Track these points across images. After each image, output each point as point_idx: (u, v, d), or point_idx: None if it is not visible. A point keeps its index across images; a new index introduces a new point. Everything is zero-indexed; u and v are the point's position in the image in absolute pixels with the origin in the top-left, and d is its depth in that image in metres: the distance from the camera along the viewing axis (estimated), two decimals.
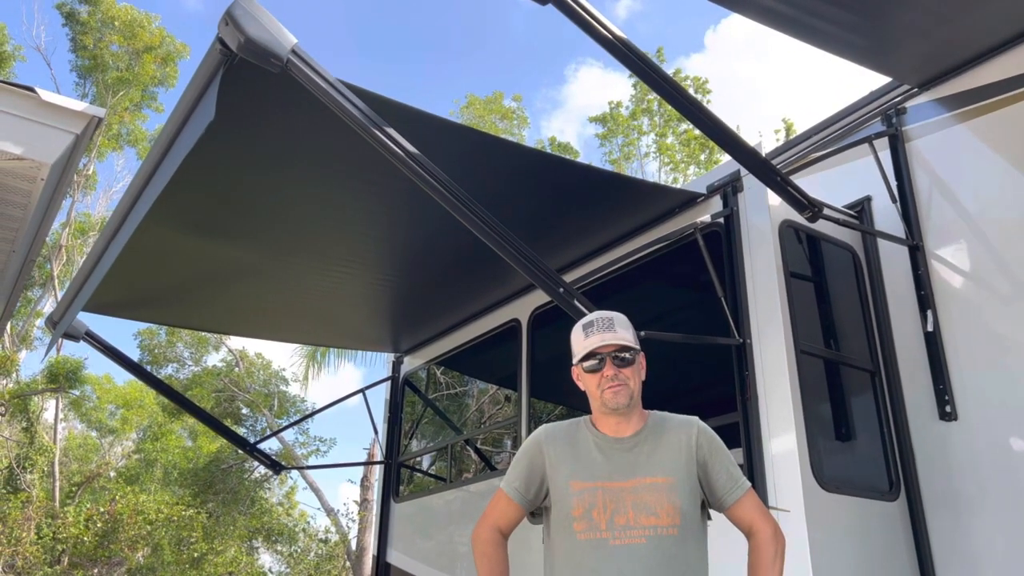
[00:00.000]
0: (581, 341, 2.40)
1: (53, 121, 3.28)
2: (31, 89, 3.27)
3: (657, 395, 2.59)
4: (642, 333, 3.47)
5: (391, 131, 2.90)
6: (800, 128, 17.98)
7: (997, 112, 3.72)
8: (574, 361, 2.42)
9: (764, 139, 4.00)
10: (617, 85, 43.75)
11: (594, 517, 2.24)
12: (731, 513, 2.34)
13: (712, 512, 2.41)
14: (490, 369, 7.08)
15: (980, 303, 3.62)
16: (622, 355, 2.35)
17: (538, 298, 5.14)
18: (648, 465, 2.30)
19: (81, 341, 5.27)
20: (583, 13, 2.84)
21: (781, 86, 34.46)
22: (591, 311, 3.27)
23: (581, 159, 22.36)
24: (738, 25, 36.74)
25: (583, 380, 2.42)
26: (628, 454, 2.32)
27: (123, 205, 3.73)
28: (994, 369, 3.50)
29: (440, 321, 6.03)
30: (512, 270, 3.33)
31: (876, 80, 4.27)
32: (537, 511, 2.48)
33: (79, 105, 3.33)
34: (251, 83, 2.94)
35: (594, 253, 4.80)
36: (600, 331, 2.37)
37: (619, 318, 2.43)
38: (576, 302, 3.25)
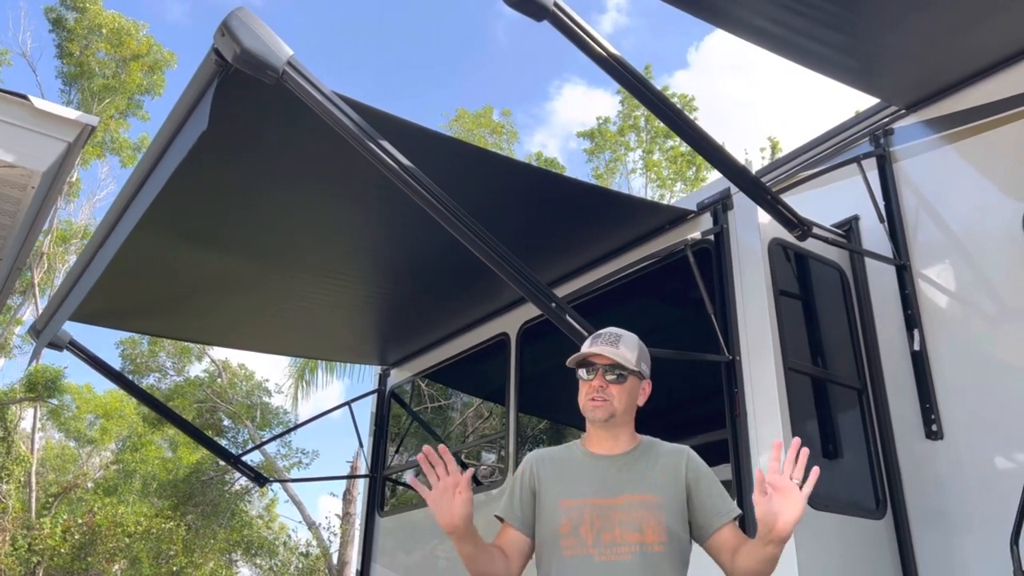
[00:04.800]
0: (585, 348, 2.40)
1: (46, 129, 3.24)
2: (24, 96, 3.23)
3: (646, 411, 2.59)
4: None
5: (386, 144, 2.90)
6: (786, 146, 18.21)
7: (984, 134, 3.77)
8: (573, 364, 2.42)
9: (750, 158, 4.04)
10: (601, 101, 44.06)
11: (581, 534, 2.23)
12: (718, 536, 2.29)
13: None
14: (478, 383, 7.06)
15: (966, 322, 3.66)
16: (613, 371, 2.34)
17: (527, 312, 5.14)
18: (637, 483, 2.29)
19: (64, 350, 5.21)
20: (577, 30, 2.86)
21: (765, 103, 34.80)
22: (583, 326, 3.28)
23: (567, 174, 22.42)
24: (721, 42, 37.12)
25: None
26: (618, 472, 2.32)
27: (112, 214, 3.70)
28: (980, 388, 3.53)
29: (428, 334, 6.01)
30: (501, 284, 3.32)
31: (863, 100, 4.34)
32: None
33: (72, 113, 3.30)
34: (245, 94, 2.93)
35: (584, 268, 4.80)
36: (604, 343, 2.37)
37: (629, 338, 2.42)
38: (568, 317, 3.25)
